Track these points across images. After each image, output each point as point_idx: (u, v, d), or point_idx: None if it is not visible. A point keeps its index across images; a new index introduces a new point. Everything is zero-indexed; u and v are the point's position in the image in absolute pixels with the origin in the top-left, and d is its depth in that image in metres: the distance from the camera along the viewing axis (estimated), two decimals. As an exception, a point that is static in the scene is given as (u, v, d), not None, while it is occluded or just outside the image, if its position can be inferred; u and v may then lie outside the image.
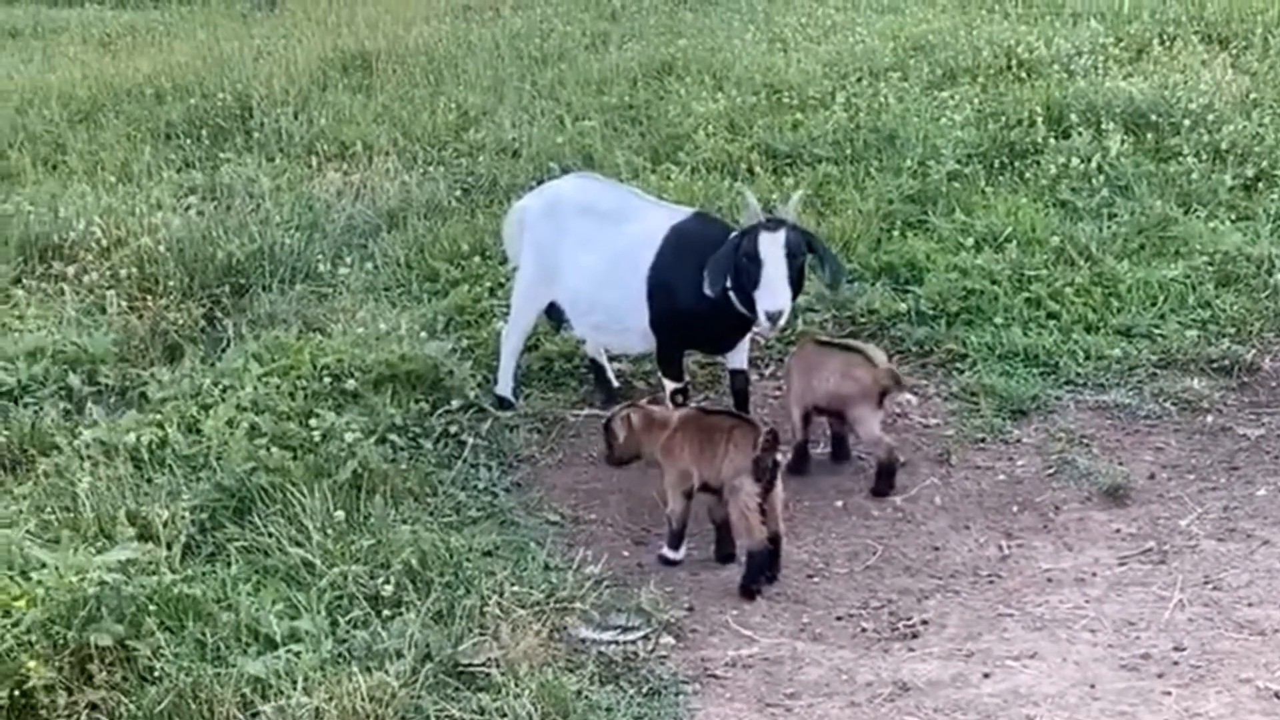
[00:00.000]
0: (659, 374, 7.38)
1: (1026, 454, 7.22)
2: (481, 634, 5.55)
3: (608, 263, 7.13)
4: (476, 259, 9.01)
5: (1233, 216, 9.09)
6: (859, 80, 11.62)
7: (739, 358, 7.26)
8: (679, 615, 5.93)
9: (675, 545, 6.40)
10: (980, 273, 8.47)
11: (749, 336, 7.20)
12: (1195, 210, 9.13)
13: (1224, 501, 6.72)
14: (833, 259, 6.99)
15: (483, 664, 5.40)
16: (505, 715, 5.12)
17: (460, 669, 5.39)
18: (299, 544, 5.98)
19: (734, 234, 6.76)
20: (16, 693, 5.11)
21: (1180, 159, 9.69)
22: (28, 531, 6.00)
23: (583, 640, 5.67)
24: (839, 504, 6.92)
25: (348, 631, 5.52)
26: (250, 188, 10.23)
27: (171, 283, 8.75)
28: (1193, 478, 6.95)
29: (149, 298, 8.66)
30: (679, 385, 7.22)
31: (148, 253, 8.99)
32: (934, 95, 11.18)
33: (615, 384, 7.87)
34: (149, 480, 6.48)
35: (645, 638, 5.74)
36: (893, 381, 7.00)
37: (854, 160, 10.16)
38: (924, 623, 5.90)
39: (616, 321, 7.20)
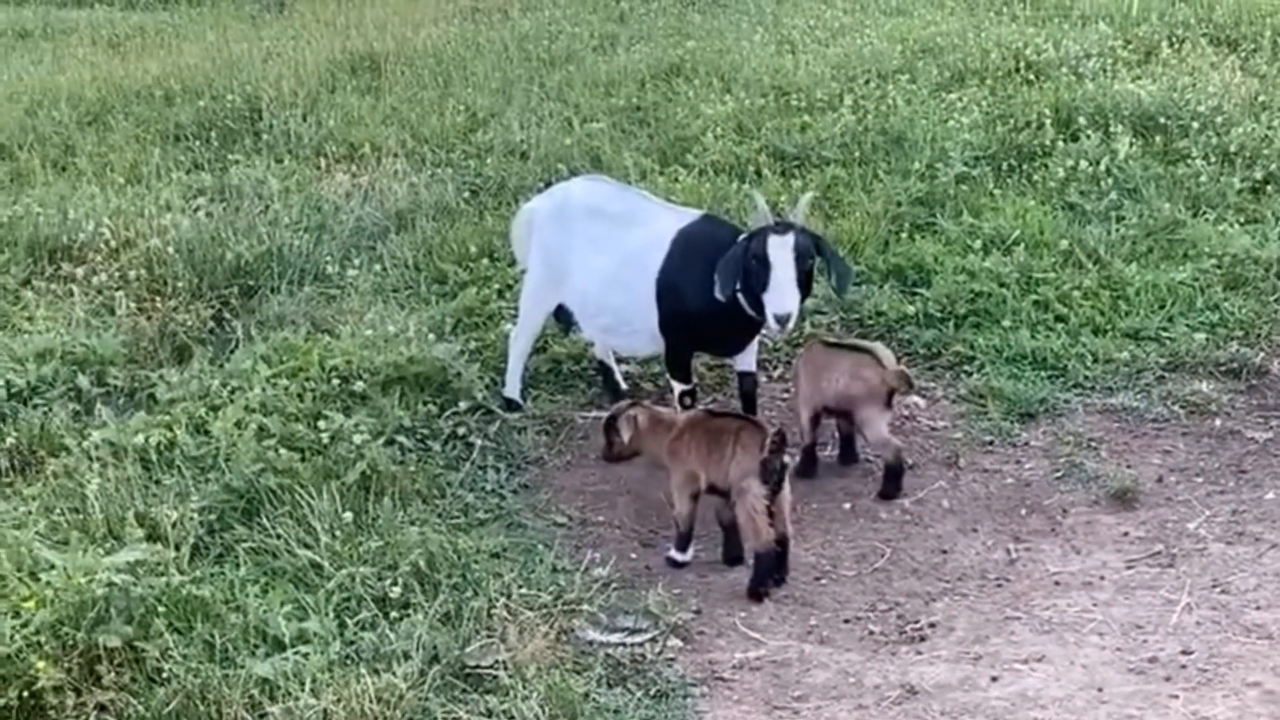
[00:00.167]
0: (667, 376, 7.38)
1: (1034, 457, 7.22)
2: (489, 636, 5.55)
3: (616, 265, 7.14)
4: (485, 261, 9.02)
5: (1241, 219, 9.09)
6: (867, 82, 11.62)
7: (747, 360, 7.26)
8: (686, 617, 5.93)
9: (683, 547, 6.40)
10: (988, 275, 8.47)
11: (757, 339, 7.20)
12: (1204, 213, 9.13)
13: (1232, 505, 6.71)
14: (840, 263, 6.99)
15: (490, 666, 5.41)
16: (513, 717, 5.14)
17: (468, 671, 5.40)
18: (307, 545, 5.99)
19: (743, 236, 6.76)
20: (25, 693, 5.13)
21: (1189, 162, 9.68)
22: (37, 532, 6.02)
23: (590, 642, 5.68)
24: (847, 506, 6.92)
25: (356, 633, 5.53)
26: (259, 189, 10.24)
27: (180, 284, 8.76)
28: (1201, 481, 6.95)
29: (158, 299, 8.68)
30: (687, 387, 7.22)
31: (156, 254, 8.99)
32: (942, 97, 11.18)
33: (623, 386, 7.87)
34: (157, 481, 6.49)
35: (653, 640, 5.73)
36: (902, 382, 7.00)
37: (862, 162, 10.15)
38: (932, 625, 5.89)
39: (625, 324, 7.21)
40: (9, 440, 6.97)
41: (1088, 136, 10.04)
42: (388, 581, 5.78)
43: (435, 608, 5.65)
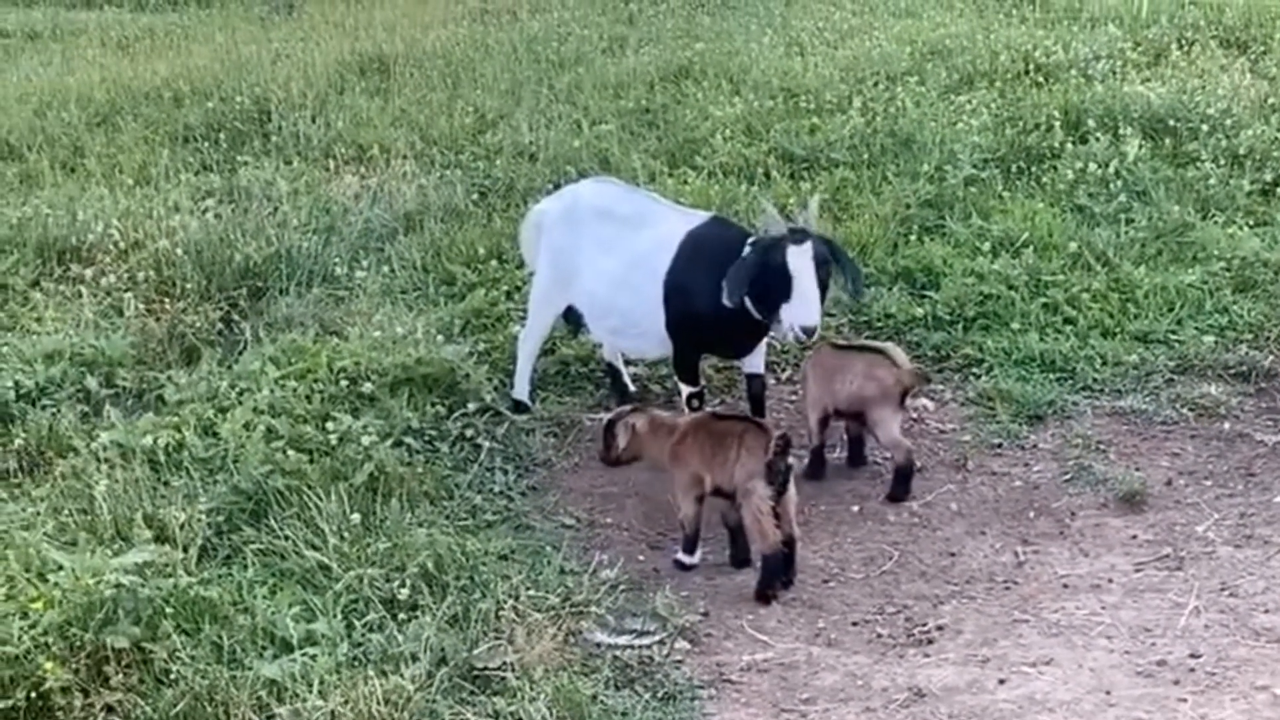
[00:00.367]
0: (675, 378, 7.38)
1: (1043, 460, 7.21)
2: (497, 638, 5.55)
3: (624, 267, 7.13)
4: (493, 263, 9.01)
5: (1250, 222, 9.09)
6: (876, 85, 11.61)
7: (756, 362, 7.26)
8: (694, 620, 5.93)
9: (690, 550, 6.40)
10: (997, 278, 8.46)
11: (765, 341, 7.20)
12: (1213, 216, 9.13)
13: (1241, 508, 6.70)
14: (853, 266, 6.99)
15: (498, 668, 5.41)
16: (520, 719, 5.13)
17: (475, 673, 5.40)
18: (315, 547, 5.99)
19: (751, 241, 6.75)
20: (33, 694, 5.13)
21: (1198, 164, 9.68)
22: (45, 533, 6.02)
23: (598, 644, 5.68)
24: (855, 509, 6.92)
25: (363, 635, 5.53)
26: (268, 191, 10.24)
27: (189, 285, 8.77)
28: (1209, 484, 6.94)
29: (166, 300, 8.68)
30: (695, 389, 7.22)
31: (165, 255, 9.00)
32: (951, 100, 11.18)
33: (631, 388, 7.87)
34: (166, 483, 6.49)
35: (660, 642, 5.73)
36: (917, 380, 7.01)
37: (871, 165, 10.15)
38: (939, 628, 5.89)
39: (633, 325, 7.20)
40: (17, 441, 6.98)
41: (1097, 139, 10.03)
42: (395, 583, 5.78)
43: (443, 609, 5.65)
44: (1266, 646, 5.56)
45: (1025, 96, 11.07)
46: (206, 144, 11.53)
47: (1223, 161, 9.74)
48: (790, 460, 6.14)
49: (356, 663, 5.35)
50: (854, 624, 5.99)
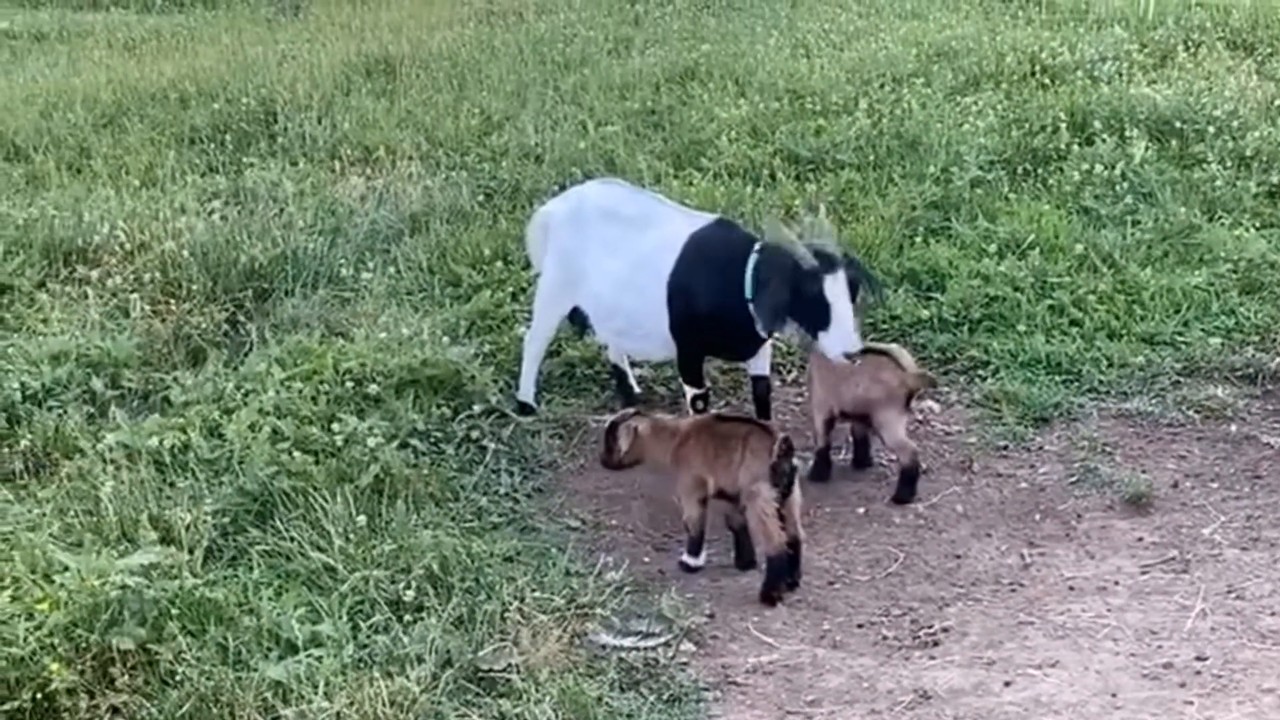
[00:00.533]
0: (680, 380, 7.38)
1: (1049, 462, 7.20)
2: (502, 640, 5.55)
3: (629, 268, 7.13)
4: (499, 264, 9.02)
5: (1257, 224, 9.09)
6: (882, 86, 11.62)
7: (760, 364, 7.26)
8: (700, 622, 5.93)
9: (695, 551, 6.40)
10: (1003, 280, 8.46)
11: (770, 343, 7.19)
12: (1219, 217, 9.13)
13: (1247, 510, 6.69)
14: (873, 278, 7.01)
15: (503, 670, 5.41)
16: (525, 721, 5.14)
17: (481, 674, 5.40)
18: (320, 548, 6.00)
19: (759, 248, 6.75)
20: (39, 695, 5.14)
21: (1204, 166, 9.68)
22: (51, 535, 6.03)
23: (603, 646, 5.67)
24: (860, 511, 6.91)
25: (369, 636, 5.53)
26: (274, 192, 10.25)
27: (195, 287, 8.77)
28: (1216, 486, 6.93)
29: (172, 302, 8.69)
30: (699, 391, 7.22)
31: (171, 257, 9.01)
32: (957, 101, 11.18)
33: (637, 390, 7.87)
34: (171, 484, 6.49)
35: (666, 644, 5.73)
36: (922, 383, 7.01)
37: (877, 166, 10.16)
38: (945, 630, 5.88)
39: (637, 327, 7.20)
40: (24, 442, 6.98)
41: (1103, 140, 10.03)
42: (401, 585, 5.79)
43: (448, 611, 5.65)
44: (1273, 649, 5.55)
45: (1031, 98, 11.07)
46: (212, 145, 11.54)
47: (1229, 163, 9.74)
48: (795, 462, 6.14)
49: (362, 664, 5.35)
50: (859, 626, 5.99)
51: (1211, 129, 10.11)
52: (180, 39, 16.19)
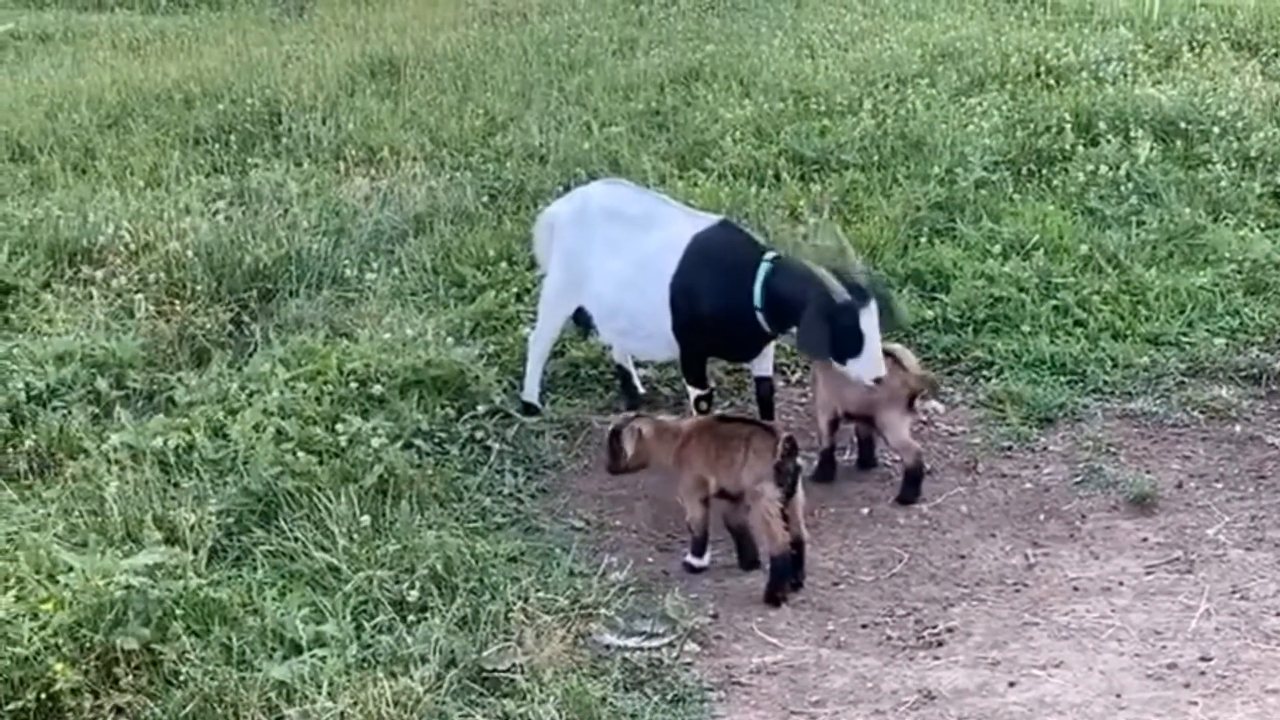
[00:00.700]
0: (683, 380, 7.38)
1: (1053, 462, 7.20)
2: (506, 640, 5.55)
3: (632, 268, 7.13)
4: (503, 264, 9.01)
5: (1262, 224, 9.08)
6: (886, 87, 11.62)
7: (764, 365, 7.25)
8: (704, 622, 5.93)
9: (699, 552, 6.39)
10: (1007, 280, 8.46)
11: (773, 344, 7.19)
12: (1224, 218, 9.13)
13: (1252, 510, 6.69)
14: (892, 297, 7.08)
15: (507, 670, 5.41)
16: (529, 721, 5.14)
17: (485, 675, 5.40)
18: (325, 549, 6.00)
19: (771, 257, 6.80)
20: (43, 695, 5.14)
21: (1209, 166, 9.67)
22: (55, 535, 6.04)
23: (607, 646, 5.67)
24: (865, 511, 6.91)
25: (373, 636, 5.53)
26: (278, 193, 10.24)
27: (199, 287, 8.77)
28: (1220, 486, 6.92)
29: (177, 302, 8.69)
30: (703, 392, 7.22)
31: (176, 257, 9.01)
32: (962, 102, 11.18)
33: (641, 390, 7.87)
34: (176, 484, 6.50)
35: (670, 644, 5.73)
36: (924, 384, 7.00)
37: (881, 167, 10.15)
38: (949, 631, 5.88)
39: (640, 327, 7.20)
40: (28, 442, 6.98)
41: (1108, 141, 10.03)
42: (405, 585, 5.79)
43: (452, 611, 5.66)
44: (1277, 649, 5.55)
45: (1036, 99, 11.07)
46: (217, 146, 11.53)
47: (1234, 164, 9.73)
48: (799, 461, 6.14)
49: (366, 664, 5.36)
50: (863, 626, 5.98)
51: (1216, 130, 10.11)
52: (185, 40, 16.18)
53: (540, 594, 5.86)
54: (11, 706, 5.12)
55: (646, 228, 7.17)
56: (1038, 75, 11.57)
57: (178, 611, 5.48)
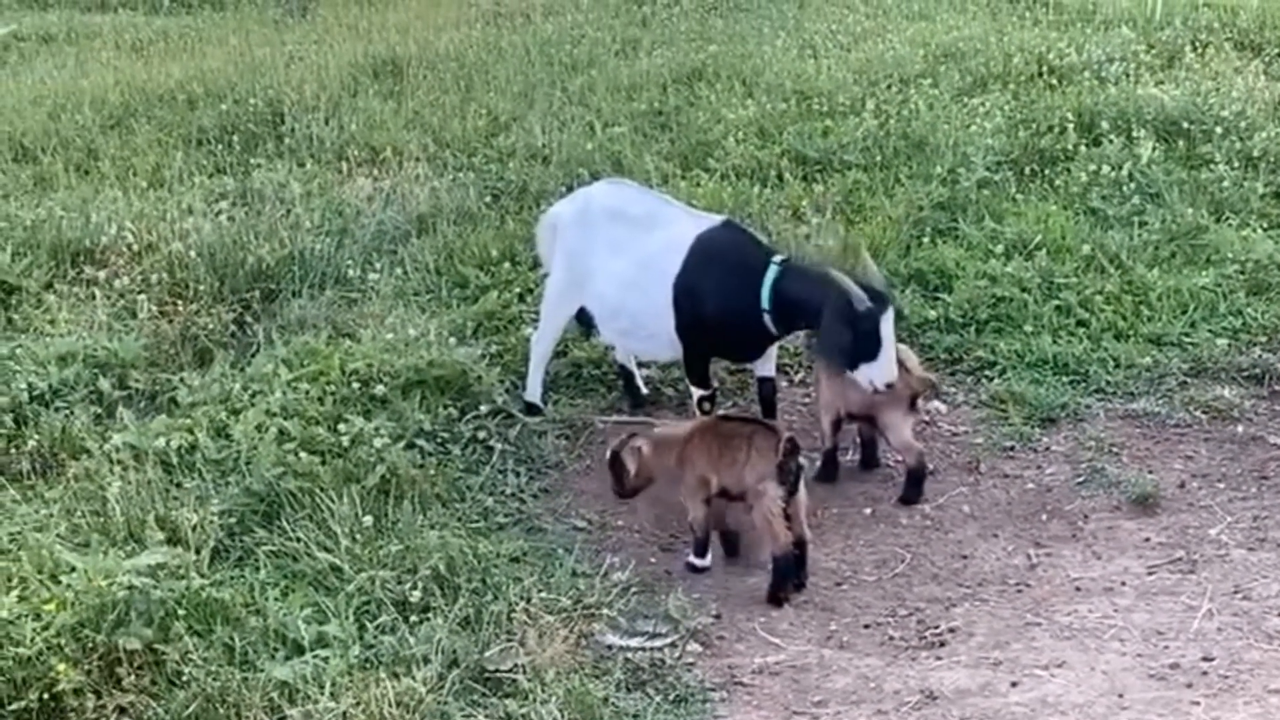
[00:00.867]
0: (686, 381, 7.38)
1: (1055, 462, 7.20)
2: (508, 640, 5.56)
3: (635, 269, 7.12)
4: (506, 265, 9.01)
5: (1264, 224, 9.07)
6: (889, 87, 11.61)
7: (767, 365, 7.25)
8: (706, 622, 5.93)
9: (701, 552, 6.40)
10: (1010, 280, 8.45)
11: (776, 344, 7.19)
12: (1227, 218, 9.12)
13: (1254, 510, 6.69)
14: (899, 308, 7.12)
15: (510, 670, 5.41)
16: (531, 721, 5.14)
17: (487, 675, 5.41)
18: (327, 549, 6.01)
19: (779, 260, 6.80)
20: (46, 695, 5.15)
21: (1212, 166, 9.66)
22: (58, 535, 6.05)
23: (609, 647, 5.68)
24: (867, 512, 6.91)
25: (375, 637, 5.54)
26: (281, 193, 10.24)
27: (202, 288, 8.77)
28: (1223, 486, 6.92)
29: (179, 302, 8.69)
30: (706, 392, 7.22)
31: (178, 258, 9.01)
32: (964, 102, 11.17)
33: (644, 390, 7.87)
34: (178, 485, 6.51)
35: (672, 645, 5.73)
36: (925, 387, 7.00)
37: (884, 167, 10.15)
38: (952, 631, 5.88)
39: (642, 328, 7.20)
40: (31, 443, 6.99)
41: (1110, 141, 10.02)
42: (407, 585, 5.80)
43: (455, 612, 5.66)
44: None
45: (1039, 99, 11.06)
46: (220, 146, 11.53)
47: (1236, 164, 9.73)
48: (801, 460, 6.14)
49: (368, 665, 5.36)
50: (866, 626, 5.99)
51: (1219, 130, 10.10)
52: (188, 40, 16.18)
53: (543, 594, 5.87)
54: (14, 707, 5.13)
55: (649, 228, 7.17)
56: (1040, 75, 11.56)
57: (180, 612, 5.49)
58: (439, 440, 7.14)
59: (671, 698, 5.41)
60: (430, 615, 5.65)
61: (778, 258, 6.85)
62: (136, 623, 5.38)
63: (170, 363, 8.00)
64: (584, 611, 5.81)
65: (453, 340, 7.91)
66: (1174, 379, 7.76)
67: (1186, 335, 8.04)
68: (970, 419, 7.63)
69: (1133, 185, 9.48)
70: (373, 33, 15.42)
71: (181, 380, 7.57)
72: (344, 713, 5.06)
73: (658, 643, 5.73)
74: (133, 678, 5.27)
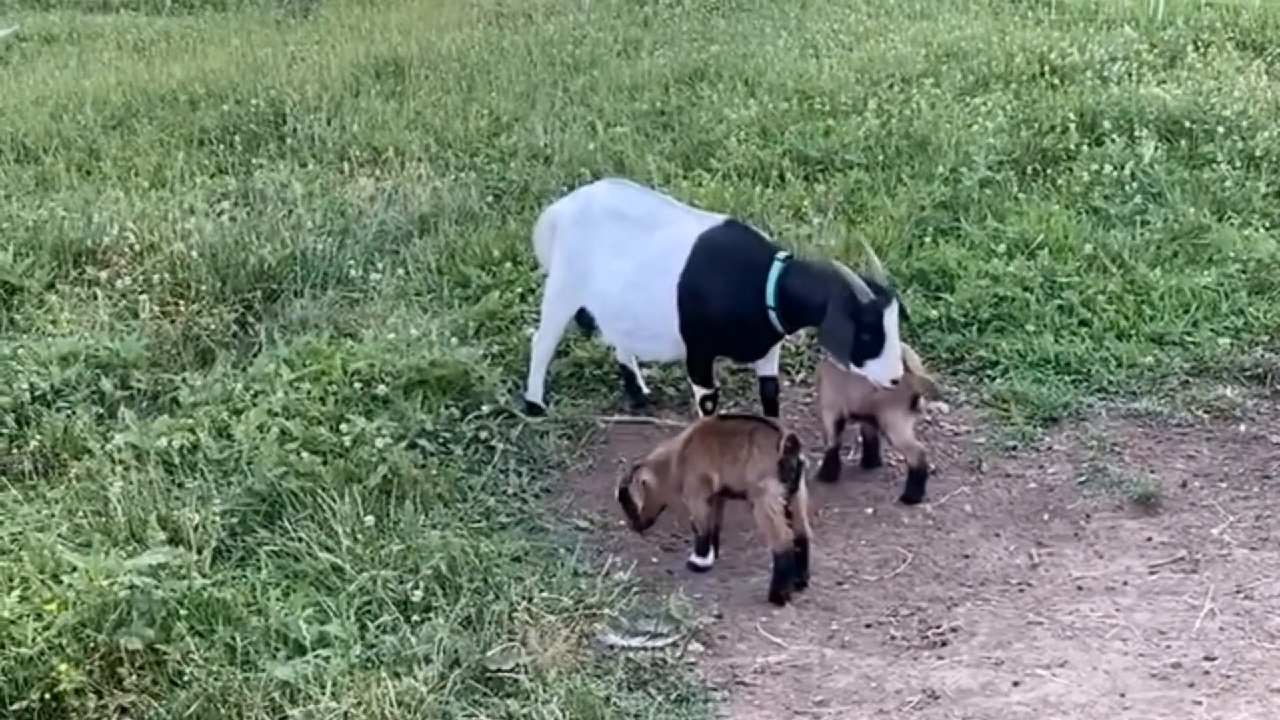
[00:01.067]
0: (689, 380, 7.37)
1: (1058, 462, 7.20)
2: (510, 640, 5.56)
3: (637, 269, 7.12)
4: (508, 265, 9.00)
5: (1267, 224, 9.06)
6: (891, 87, 11.60)
7: (769, 365, 7.25)
8: (707, 622, 5.93)
9: (703, 552, 6.40)
10: (1012, 280, 8.45)
11: (779, 344, 7.19)
12: (1229, 217, 9.11)
13: (1256, 510, 6.68)
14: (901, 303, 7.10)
15: (511, 670, 5.41)
16: (533, 721, 5.14)
17: (489, 675, 5.41)
18: (329, 549, 6.01)
19: (783, 257, 6.79)
20: (47, 696, 5.16)
21: (1214, 166, 9.66)
22: (59, 535, 6.06)
23: (611, 646, 5.68)
24: (869, 511, 6.91)
25: (377, 636, 5.55)
26: (283, 193, 10.23)
27: (204, 288, 8.77)
28: (1225, 486, 6.92)
29: (181, 303, 8.69)
30: (708, 392, 7.22)
31: (180, 258, 9.01)
32: (966, 102, 11.16)
33: (645, 390, 7.86)
34: (180, 485, 6.51)
35: (674, 644, 5.73)
36: (926, 389, 6.99)
37: (885, 167, 10.14)
38: (953, 630, 5.88)
39: (645, 328, 7.19)
40: (33, 443, 7.00)
41: (1112, 141, 10.02)
42: (409, 585, 5.80)
43: (456, 611, 5.67)
44: (1282, 649, 5.56)
45: (1041, 98, 11.05)
46: (222, 146, 11.53)
47: (1239, 163, 9.72)
48: (802, 458, 6.14)
49: (369, 664, 5.37)
50: (867, 626, 5.99)
51: (1221, 129, 10.09)
52: (190, 41, 16.19)
53: (544, 594, 5.87)
54: (15, 707, 5.14)
55: (650, 228, 7.16)
56: (1042, 75, 11.55)
57: (182, 612, 5.49)
58: (441, 440, 7.14)
59: (673, 697, 5.41)
60: (432, 615, 5.66)
61: (781, 254, 6.85)
62: (138, 623, 5.39)
63: (172, 363, 8.01)
64: (586, 611, 5.81)
65: (454, 340, 7.91)
66: (1176, 378, 7.76)
67: (1189, 335, 8.04)
68: (972, 418, 7.62)
69: (1135, 185, 9.48)
70: (375, 33, 15.42)
71: (183, 380, 7.58)
72: (345, 712, 5.06)
73: (659, 642, 5.73)
74: (134, 678, 5.27)
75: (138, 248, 9.24)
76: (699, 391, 7.22)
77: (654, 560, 6.49)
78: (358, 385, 7.31)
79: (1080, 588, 6.14)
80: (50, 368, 7.60)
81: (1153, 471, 7.01)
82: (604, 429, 7.60)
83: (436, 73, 13.24)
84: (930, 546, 6.58)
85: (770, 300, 6.75)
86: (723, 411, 7.26)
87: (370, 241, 9.57)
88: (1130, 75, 11.40)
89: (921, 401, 7.06)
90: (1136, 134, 10.08)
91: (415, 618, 5.64)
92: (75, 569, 5.57)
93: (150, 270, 8.99)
